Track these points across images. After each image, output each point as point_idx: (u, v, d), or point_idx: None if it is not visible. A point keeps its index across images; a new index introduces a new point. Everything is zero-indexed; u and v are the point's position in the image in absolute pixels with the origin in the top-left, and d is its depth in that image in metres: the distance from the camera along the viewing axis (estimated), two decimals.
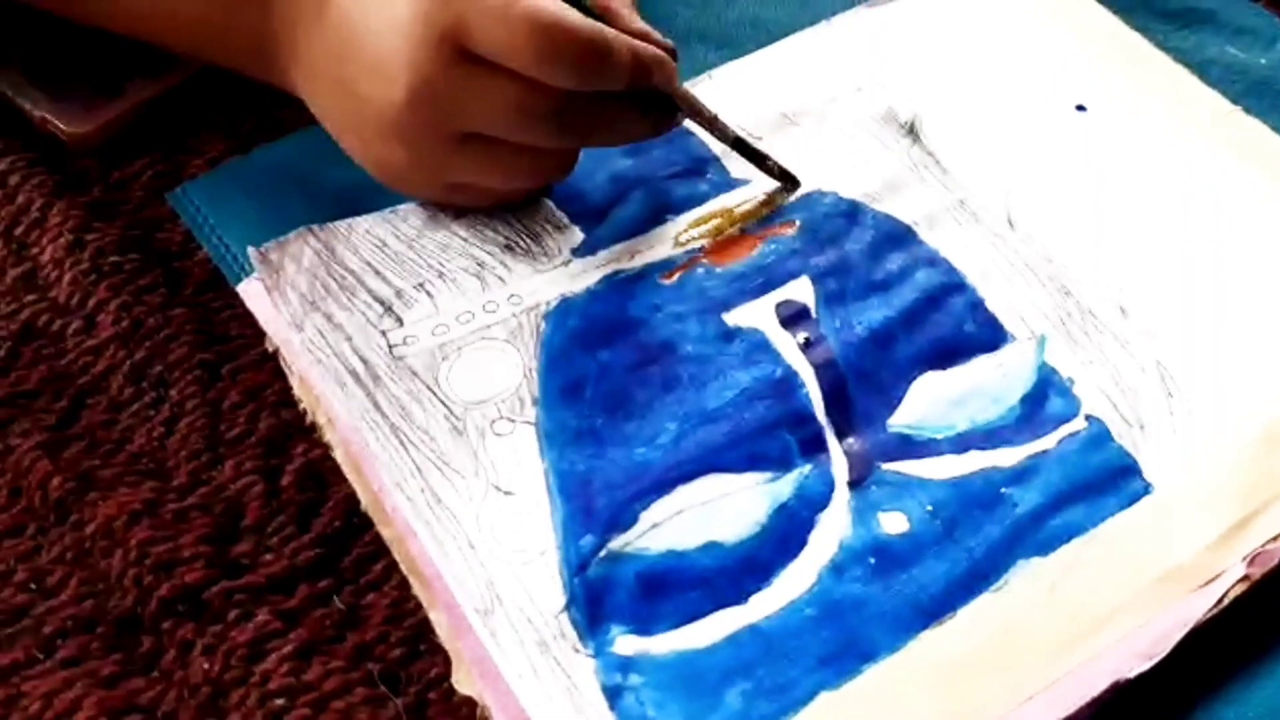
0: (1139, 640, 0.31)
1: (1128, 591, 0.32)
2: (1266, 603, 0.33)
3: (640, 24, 0.39)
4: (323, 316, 0.38)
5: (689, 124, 0.42)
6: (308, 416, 0.37)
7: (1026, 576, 0.33)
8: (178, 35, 0.42)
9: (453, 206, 0.41)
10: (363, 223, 0.41)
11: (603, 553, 0.33)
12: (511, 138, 0.37)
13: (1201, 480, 0.35)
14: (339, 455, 0.36)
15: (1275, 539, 0.33)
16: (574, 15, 0.35)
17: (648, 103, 0.39)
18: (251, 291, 0.39)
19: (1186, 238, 0.40)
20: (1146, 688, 0.31)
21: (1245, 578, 0.32)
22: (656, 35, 0.39)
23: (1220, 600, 0.32)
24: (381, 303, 0.39)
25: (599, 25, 0.36)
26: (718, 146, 0.43)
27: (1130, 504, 0.34)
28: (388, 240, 0.41)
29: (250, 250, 0.39)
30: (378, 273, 0.40)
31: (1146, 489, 0.34)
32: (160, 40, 0.43)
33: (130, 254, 0.41)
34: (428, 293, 0.39)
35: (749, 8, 0.50)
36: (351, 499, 0.36)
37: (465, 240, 0.41)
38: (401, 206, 0.42)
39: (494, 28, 0.34)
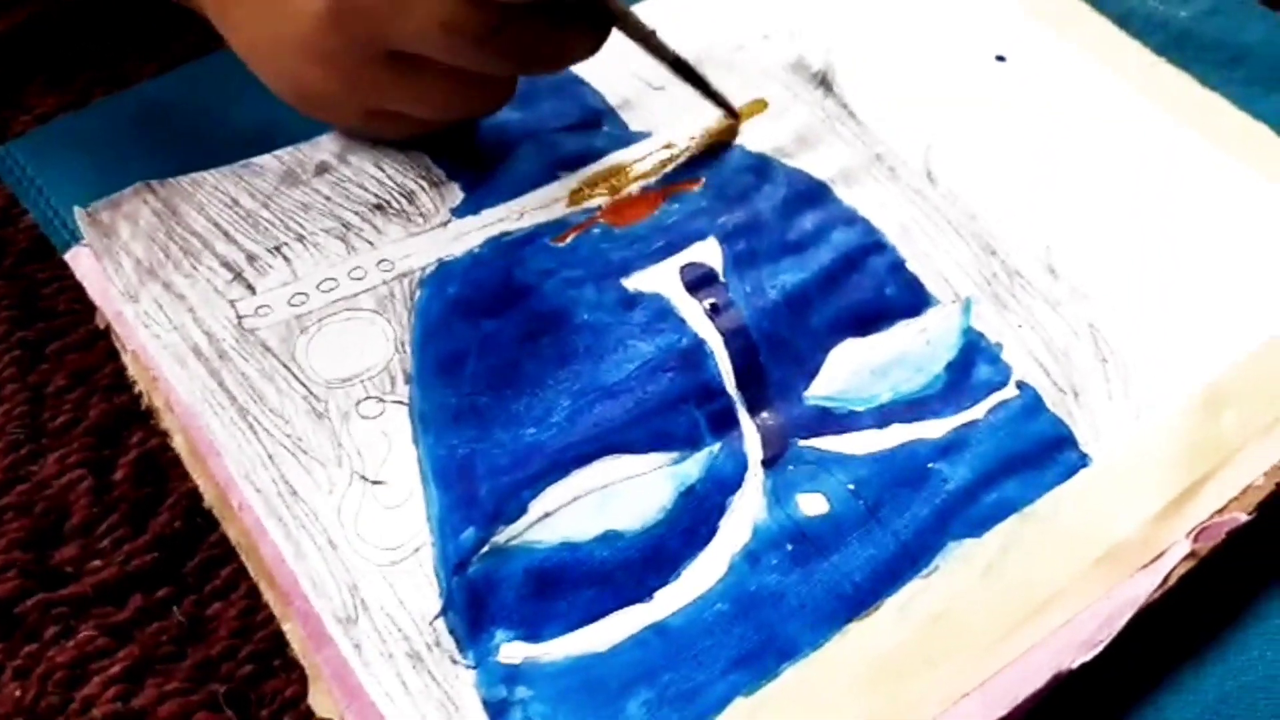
0: (1081, 627, 0.28)
1: (1067, 573, 0.29)
2: (1213, 584, 0.30)
3: None
4: (161, 286, 0.33)
5: (583, 69, 0.38)
6: (143, 400, 0.32)
7: (958, 559, 0.29)
8: None
9: (370, 136, 0.37)
10: (210, 177, 0.36)
11: (485, 548, 0.29)
12: (441, 58, 0.33)
13: (1141, 450, 0.32)
14: (178, 444, 0.31)
15: (1221, 511, 0.30)
16: None
17: (583, 18, 0.35)
18: (80, 259, 0.34)
19: (1114, 193, 0.38)
20: (1089, 680, 0.28)
21: (1191, 554, 0.30)
22: None
23: (1165, 580, 0.29)
24: (230, 268, 0.34)
25: None
26: (613, 97, 0.40)
27: (1067, 477, 0.31)
28: (239, 198, 0.36)
29: (77, 211, 0.34)
30: (227, 235, 0.35)
31: (1083, 460, 0.31)
32: None
33: None
34: (285, 257, 0.35)
35: None
36: (194, 495, 0.31)
37: (328, 199, 0.36)
38: (254, 160, 0.37)
39: None
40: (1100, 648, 0.28)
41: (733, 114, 0.38)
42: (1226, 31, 0.44)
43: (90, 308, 0.34)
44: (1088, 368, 0.33)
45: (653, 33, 0.37)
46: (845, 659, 0.28)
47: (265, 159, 0.37)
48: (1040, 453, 0.31)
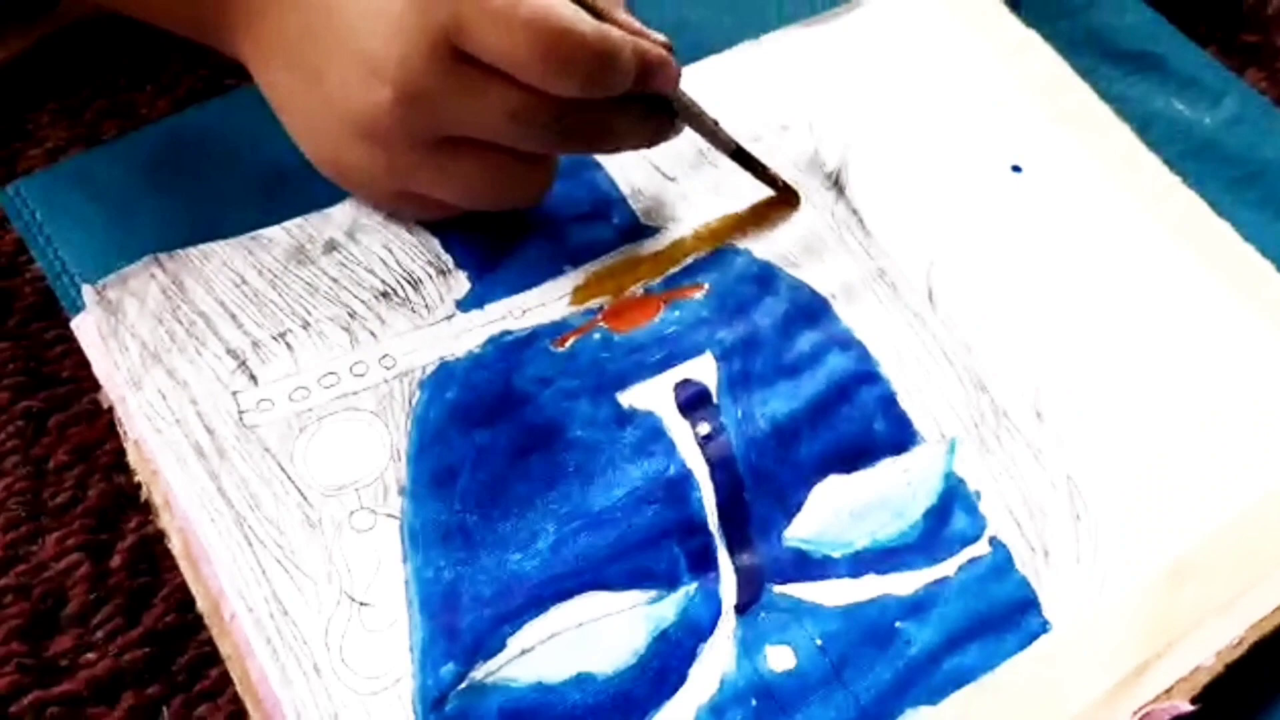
0: None
1: None
2: None
3: (635, 21, 0.35)
4: (165, 373, 0.34)
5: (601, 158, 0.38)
6: (142, 492, 0.33)
7: None
8: None
9: (390, 213, 0.38)
10: (219, 250, 0.37)
11: (464, 684, 0.30)
12: (504, 142, 0.34)
13: (1100, 621, 0.33)
14: (175, 546, 0.32)
15: (1169, 691, 0.32)
16: (580, 18, 0.32)
17: (646, 106, 0.35)
18: (86, 330, 0.35)
19: (1109, 333, 0.38)
20: None
21: None
22: (653, 33, 0.35)
23: None
24: (234, 355, 0.35)
25: (604, 28, 0.32)
26: (625, 185, 0.40)
27: (1027, 643, 0.32)
28: (247, 275, 0.36)
29: (85, 289, 0.35)
30: (233, 317, 0.35)
31: (1044, 626, 0.33)
32: None
33: None
34: (288, 345, 0.35)
35: (675, 9, 0.45)
36: (187, 588, 0.32)
37: (335, 281, 0.37)
38: (263, 232, 0.37)
39: (495, 31, 0.31)
40: None
41: (796, 198, 0.39)
42: (1247, 145, 0.44)
43: (92, 376, 0.35)
44: (1061, 525, 0.34)
45: (716, 123, 0.37)
46: None
47: (274, 231, 0.37)
48: (1004, 617, 0.33)
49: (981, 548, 0.34)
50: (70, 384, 0.35)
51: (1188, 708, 0.31)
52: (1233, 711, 0.32)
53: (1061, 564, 0.34)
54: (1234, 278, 0.40)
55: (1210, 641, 0.32)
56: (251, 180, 0.39)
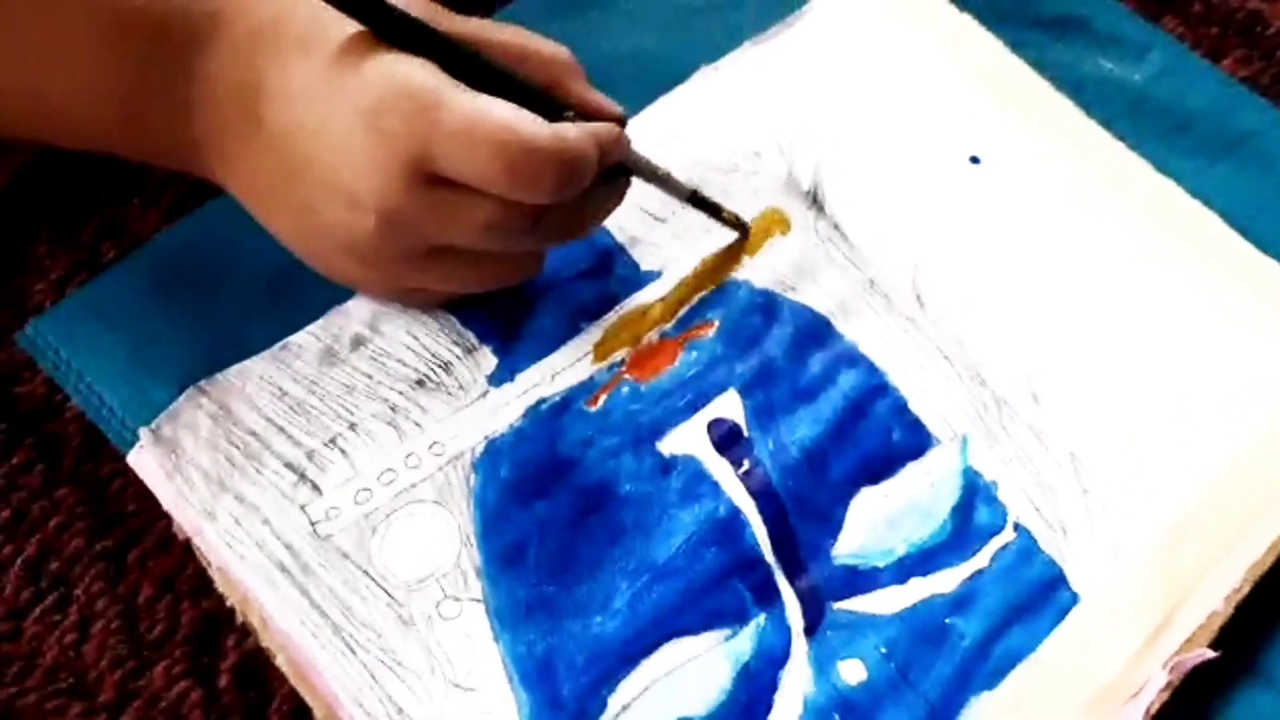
0: None
1: (1068, 714, 0.34)
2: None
3: (592, 94, 0.37)
4: (233, 499, 0.36)
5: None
6: (238, 616, 0.35)
7: (979, 715, 0.34)
8: (63, 125, 0.37)
9: (398, 304, 0.39)
10: (255, 368, 0.38)
11: None
12: (487, 249, 0.36)
13: (1120, 585, 0.37)
14: (280, 662, 0.34)
15: (1190, 640, 0.36)
16: (538, 128, 0.33)
17: (603, 176, 0.37)
18: (145, 466, 0.36)
19: (1090, 307, 0.41)
20: None
21: (1168, 685, 0.35)
22: (607, 104, 0.37)
23: (1148, 711, 0.35)
24: (292, 469, 0.36)
25: (562, 135, 0.33)
26: (621, 234, 0.42)
27: (1061, 617, 0.36)
28: (285, 386, 0.38)
29: (142, 431, 0.36)
30: (283, 430, 0.37)
31: (1074, 599, 0.36)
32: (36, 133, 0.38)
33: None
34: (341, 450, 0.37)
35: (625, 39, 0.47)
36: (296, 695, 0.34)
37: (370, 378, 0.38)
38: (292, 340, 0.39)
39: (460, 154, 0.32)
40: None
41: (744, 231, 0.41)
42: (1176, 95, 0.47)
43: (156, 503, 0.36)
44: (1071, 501, 0.38)
45: (668, 174, 0.39)
46: None
47: (301, 337, 0.39)
48: (1039, 595, 0.36)
49: (1007, 535, 0.37)
50: (138, 516, 0.37)
51: (1210, 654, 0.35)
52: (1245, 650, 0.36)
53: (1078, 538, 0.37)
54: (1189, 238, 0.43)
55: (1218, 588, 0.36)
56: (260, 281, 0.40)
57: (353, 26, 0.33)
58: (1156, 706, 0.35)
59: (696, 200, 0.40)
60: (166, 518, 0.36)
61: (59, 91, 0.35)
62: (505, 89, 0.33)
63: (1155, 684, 0.35)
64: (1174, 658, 0.35)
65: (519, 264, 0.38)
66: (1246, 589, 0.36)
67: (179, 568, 0.36)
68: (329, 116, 0.33)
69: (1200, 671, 0.35)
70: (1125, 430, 0.39)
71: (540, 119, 0.33)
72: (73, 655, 0.35)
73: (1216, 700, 0.36)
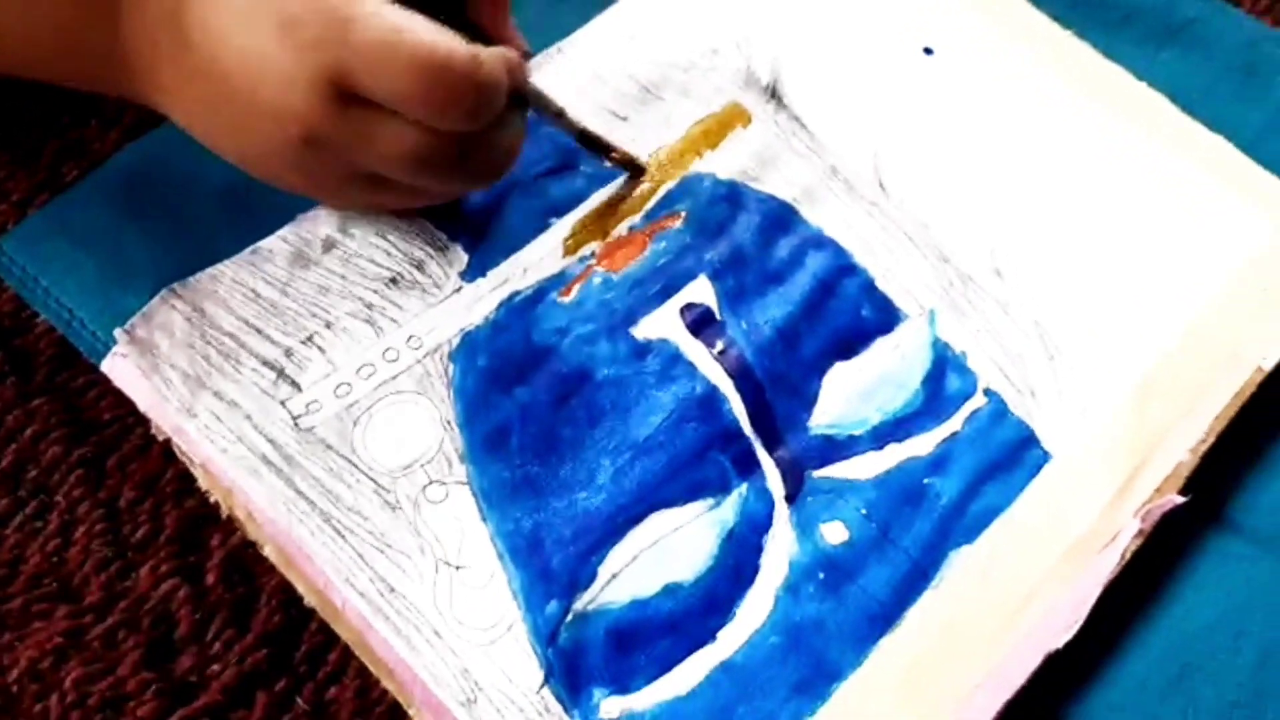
0: (1060, 612, 0.35)
1: (1044, 567, 0.35)
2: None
3: (509, 29, 0.37)
4: (213, 396, 0.36)
5: None
6: (222, 510, 0.35)
7: (959, 568, 0.35)
8: (4, 55, 0.36)
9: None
10: (227, 272, 0.38)
11: (569, 616, 0.33)
12: (413, 183, 0.35)
13: (1089, 441, 0.38)
14: (269, 551, 0.34)
15: (1159, 490, 0.37)
16: (456, 49, 0.32)
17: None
18: (120, 371, 0.36)
19: (1045, 186, 0.42)
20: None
21: (1139, 532, 0.36)
22: (518, 38, 0.37)
23: (1122, 558, 0.35)
24: (271, 366, 0.37)
25: (479, 58, 0.33)
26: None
27: (1034, 474, 0.37)
28: (259, 289, 0.38)
29: (117, 332, 0.36)
30: (259, 331, 0.37)
31: (1046, 457, 0.37)
32: None
33: None
34: (318, 347, 0.37)
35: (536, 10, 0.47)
36: (286, 587, 0.34)
37: (344, 278, 0.38)
38: (262, 244, 0.39)
39: (377, 71, 0.32)
40: (1078, 626, 0.34)
41: (639, 170, 0.41)
42: None
43: (133, 410, 0.36)
44: (1039, 366, 0.39)
45: (562, 110, 0.39)
46: (882, 673, 0.33)
47: (272, 242, 0.39)
48: (1011, 455, 0.37)
49: (978, 400, 0.38)
50: (114, 424, 0.37)
51: (1179, 499, 0.36)
52: (1212, 501, 0.37)
53: (1047, 400, 0.38)
54: (1138, 117, 0.44)
55: (1183, 440, 0.37)
56: (224, 191, 0.40)
57: None
58: (1129, 555, 0.36)
59: (585, 139, 0.40)
60: (144, 424, 0.36)
61: None
62: (422, 4, 0.33)
63: (1128, 532, 0.36)
64: (1144, 506, 0.36)
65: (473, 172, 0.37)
66: (1211, 440, 0.37)
67: (159, 471, 0.36)
68: (251, 32, 0.32)
69: (1171, 524, 0.36)
70: (1087, 298, 0.40)
71: (459, 39, 0.32)
72: (56, 560, 0.35)
73: (1188, 550, 0.37)
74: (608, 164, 0.41)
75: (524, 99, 0.36)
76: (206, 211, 0.40)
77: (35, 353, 0.38)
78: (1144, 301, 0.40)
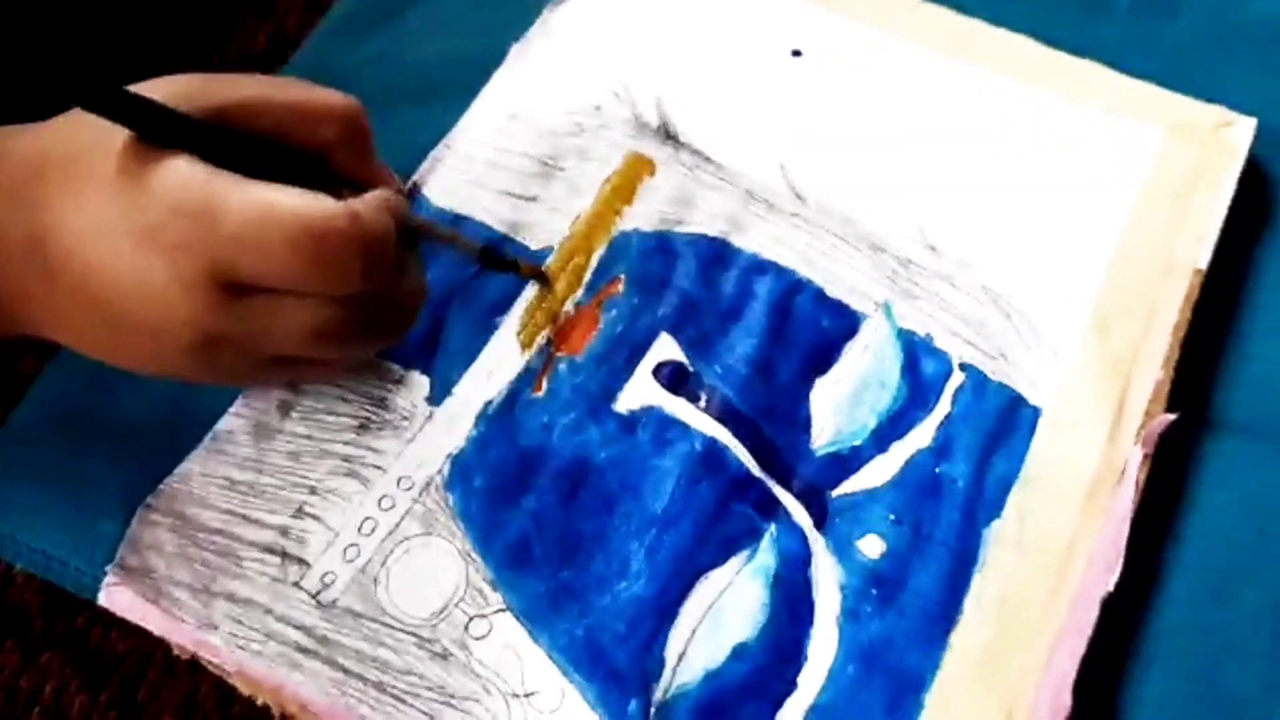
0: (1101, 556, 0.36)
1: (1069, 517, 0.36)
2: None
3: (376, 167, 0.35)
4: (225, 600, 0.34)
5: (459, 209, 0.40)
6: (274, 712, 0.33)
7: (996, 544, 0.36)
8: None
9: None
10: (194, 468, 0.37)
11: (652, 711, 0.33)
12: (324, 356, 0.34)
13: (1069, 384, 0.39)
14: None
15: (1148, 414, 0.38)
16: (330, 212, 0.30)
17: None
18: (122, 601, 0.35)
19: (948, 153, 0.43)
20: None
21: (1145, 458, 0.37)
22: (389, 176, 0.35)
23: (1137, 486, 0.37)
24: (272, 551, 0.35)
25: (356, 212, 0.31)
26: (499, 224, 0.42)
27: (1031, 432, 0.38)
28: (231, 475, 0.37)
29: (109, 570, 0.34)
30: (245, 518, 0.36)
31: (1037, 412, 0.38)
32: None
33: None
34: (312, 516, 0.36)
35: (436, 44, 0.46)
36: None
37: (310, 439, 0.37)
38: (219, 427, 0.38)
39: (259, 259, 0.30)
40: (1120, 564, 0.35)
41: (546, 281, 0.40)
42: None
43: (145, 633, 0.35)
44: (1000, 328, 0.40)
45: (456, 234, 0.39)
46: (961, 667, 0.34)
47: (227, 422, 0.37)
48: (1005, 420, 0.38)
49: (957, 377, 0.39)
50: (131, 655, 0.35)
51: (1170, 416, 0.38)
52: (1197, 409, 0.39)
53: (1018, 358, 0.39)
54: (1005, 61, 0.45)
55: (1153, 358, 0.39)
56: (154, 388, 0.38)
57: (114, 144, 0.30)
58: (1143, 481, 0.37)
59: (486, 257, 0.39)
60: (161, 644, 0.35)
61: None
62: (278, 169, 0.31)
63: (1135, 460, 0.37)
64: (1141, 431, 0.37)
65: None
66: (1178, 351, 0.39)
67: (193, 688, 0.35)
68: (115, 250, 0.30)
69: (1169, 445, 0.37)
70: (1019, 251, 0.41)
71: (330, 199, 0.30)
72: None
73: (1190, 466, 0.38)
74: (519, 277, 0.40)
75: (414, 235, 0.35)
76: (147, 413, 0.38)
77: (23, 604, 0.36)
78: (1072, 237, 0.41)
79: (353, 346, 0.34)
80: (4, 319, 0.33)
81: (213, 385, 0.36)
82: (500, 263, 0.39)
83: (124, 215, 0.30)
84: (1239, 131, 0.43)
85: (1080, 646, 0.34)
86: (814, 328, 0.40)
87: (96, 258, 0.30)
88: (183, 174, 0.29)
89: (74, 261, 0.31)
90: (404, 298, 0.34)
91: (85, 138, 0.31)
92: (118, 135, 0.30)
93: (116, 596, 0.34)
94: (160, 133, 0.30)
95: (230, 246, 0.30)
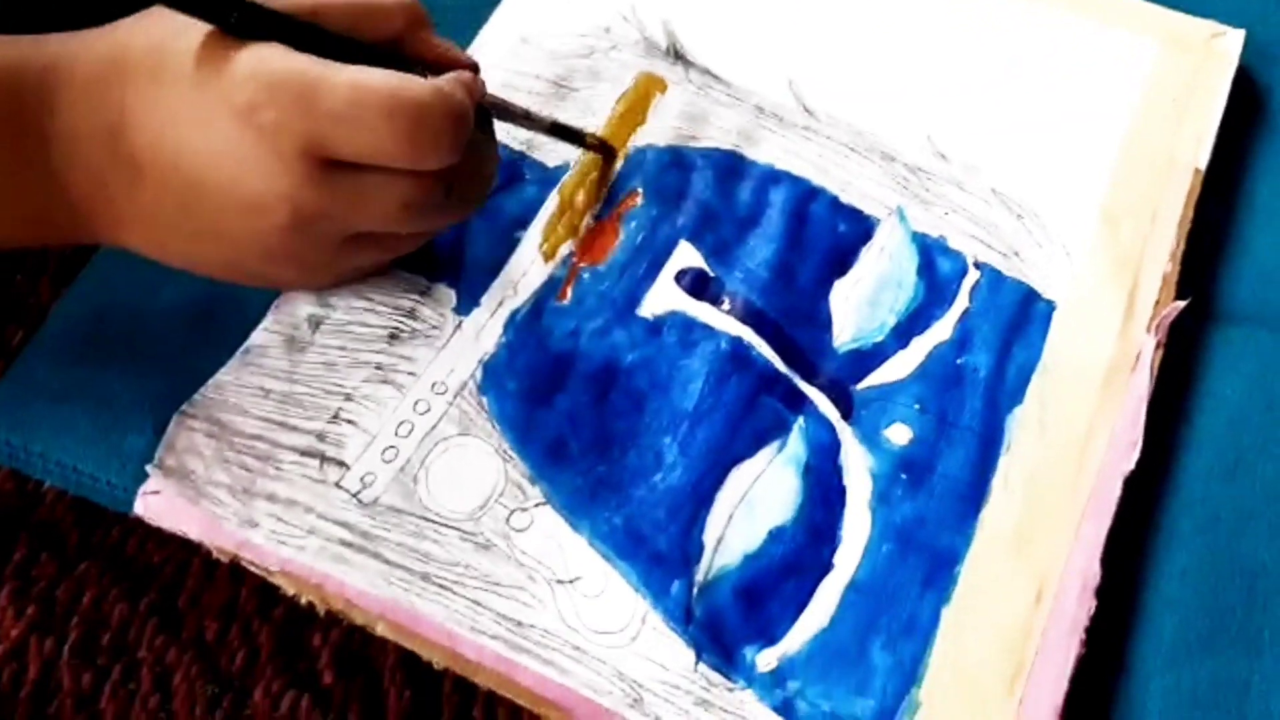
0: (1120, 437, 0.37)
1: (1088, 402, 0.37)
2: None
3: (443, 44, 0.36)
4: (266, 500, 0.35)
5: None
6: (319, 607, 0.34)
7: (1019, 429, 0.37)
8: None
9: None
10: (227, 378, 0.37)
11: (695, 591, 0.34)
12: (407, 230, 0.35)
13: (1082, 278, 0.40)
14: (382, 629, 0.33)
15: (1158, 304, 0.39)
16: (421, 88, 0.32)
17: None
18: (159, 508, 0.35)
19: (954, 64, 0.44)
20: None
21: (1158, 345, 0.38)
22: (458, 52, 0.36)
23: (1152, 371, 0.38)
24: (310, 454, 0.36)
25: (442, 89, 0.33)
26: (515, 144, 0.42)
27: (1046, 325, 0.39)
28: (266, 385, 0.37)
29: (150, 470, 0.35)
30: (283, 424, 0.36)
31: (1051, 306, 0.39)
32: None
33: None
34: (349, 421, 0.36)
35: None
36: (404, 660, 0.34)
37: (344, 349, 0.38)
38: (250, 342, 0.38)
39: (352, 133, 0.31)
40: (1139, 445, 0.36)
41: (611, 152, 0.42)
42: None
43: (182, 542, 0.35)
44: (1012, 228, 0.41)
45: (527, 110, 0.40)
46: (993, 542, 0.35)
47: (259, 337, 0.38)
48: (1021, 314, 0.39)
49: (973, 275, 0.40)
50: (168, 563, 0.35)
51: (1180, 303, 0.39)
52: (1201, 299, 0.40)
53: (1031, 256, 0.40)
54: None
55: (1160, 251, 0.40)
56: (181, 309, 0.39)
57: (193, 38, 0.31)
58: (1156, 368, 0.38)
59: (558, 130, 0.40)
60: (198, 552, 0.35)
61: None
62: (359, 56, 0.32)
63: (1148, 348, 0.38)
64: (1154, 320, 0.39)
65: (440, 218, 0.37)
66: (1183, 244, 0.40)
67: (233, 593, 0.35)
68: (207, 130, 0.31)
69: (1177, 334, 0.38)
70: (1026, 154, 0.42)
71: (417, 78, 0.32)
72: (164, 716, 0.33)
73: (1199, 353, 0.40)
74: (583, 150, 0.41)
75: (488, 114, 0.36)
76: (172, 330, 0.38)
77: (56, 521, 0.36)
78: (1077, 142, 0.42)
79: (437, 218, 0.35)
80: (80, 222, 0.34)
81: (281, 284, 0.37)
82: (570, 133, 0.40)
83: (218, 98, 0.31)
84: (1230, 41, 0.44)
85: (1106, 521, 0.35)
86: (830, 233, 0.41)
87: (187, 145, 0.32)
88: (277, 57, 0.31)
89: (164, 148, 0.32)
90: (480, 174, 0.36)
91: (162, 34, 0.31)
92: (195, 31, 0.31)
93: (153, 504, 0.35)
94: (243, 26, 0.31)
95: (328, 123, 0.31)
